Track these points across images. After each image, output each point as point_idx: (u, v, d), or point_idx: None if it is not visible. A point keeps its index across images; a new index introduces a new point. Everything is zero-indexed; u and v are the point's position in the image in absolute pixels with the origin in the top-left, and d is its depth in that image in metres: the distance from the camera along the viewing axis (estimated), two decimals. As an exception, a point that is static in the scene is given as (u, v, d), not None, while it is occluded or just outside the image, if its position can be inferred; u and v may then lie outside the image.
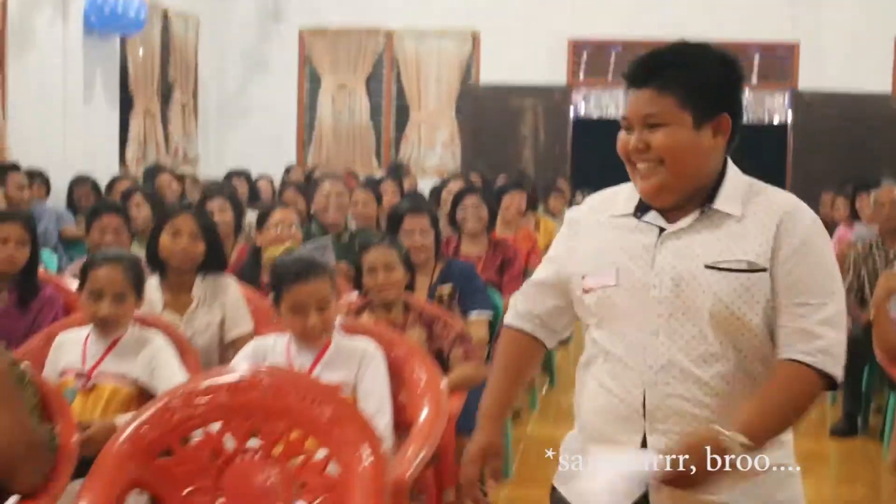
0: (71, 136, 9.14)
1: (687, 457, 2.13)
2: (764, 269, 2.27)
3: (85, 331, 3.84)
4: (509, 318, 2.66)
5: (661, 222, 2.38)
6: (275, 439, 3.05)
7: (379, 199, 7.39)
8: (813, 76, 12.40)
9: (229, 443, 3.04)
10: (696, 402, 2.30)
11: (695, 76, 2.32)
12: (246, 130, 12.68)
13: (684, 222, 2.35)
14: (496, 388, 2.61)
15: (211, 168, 11.63)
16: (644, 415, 2.35)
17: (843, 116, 12.03)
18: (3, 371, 2.96)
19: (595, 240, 2.47)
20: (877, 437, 6.61)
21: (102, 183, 8.52)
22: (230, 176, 9.56)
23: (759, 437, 2.19)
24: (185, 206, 4.70)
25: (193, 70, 11.94)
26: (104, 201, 6.24)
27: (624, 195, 2.48)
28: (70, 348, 3.80)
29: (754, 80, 12.91)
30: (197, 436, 3.05)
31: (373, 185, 7.93)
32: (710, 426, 2.19)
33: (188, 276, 4.52)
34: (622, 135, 2.38)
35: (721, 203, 2.33)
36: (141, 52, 10.57)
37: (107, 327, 3.75)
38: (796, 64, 12.63)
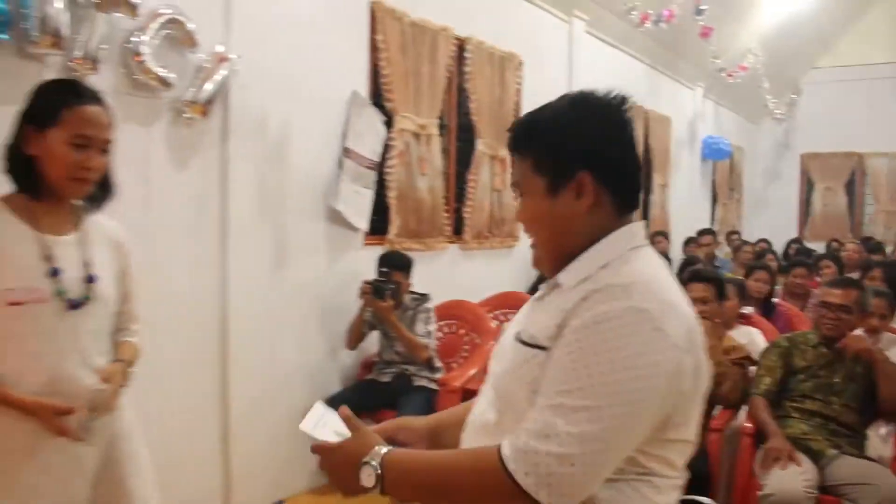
0: (688, 218, 9.32)
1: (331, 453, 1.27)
2: (542, 348, 1.18)
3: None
4: None
5: None
6: None
7: None
8: None
9: None
10: None
11: (545, 136, 1.25)
12: (767, 214, 12.41)
13: (542, 292, 1.32)
14: None
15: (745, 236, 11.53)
16: None
17: None
18: None
19: None
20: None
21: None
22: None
23: (395, 472, 1.19)
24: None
25: (740, 178, 11.87)
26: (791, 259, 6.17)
27: None
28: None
29: None
30: None
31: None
32: (369, 443, 1.24)
33: None
34: None
35: (563, 275, 1.24)
36: (721, 170, 10.69)
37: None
38: None
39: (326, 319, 4.13)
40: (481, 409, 1.31)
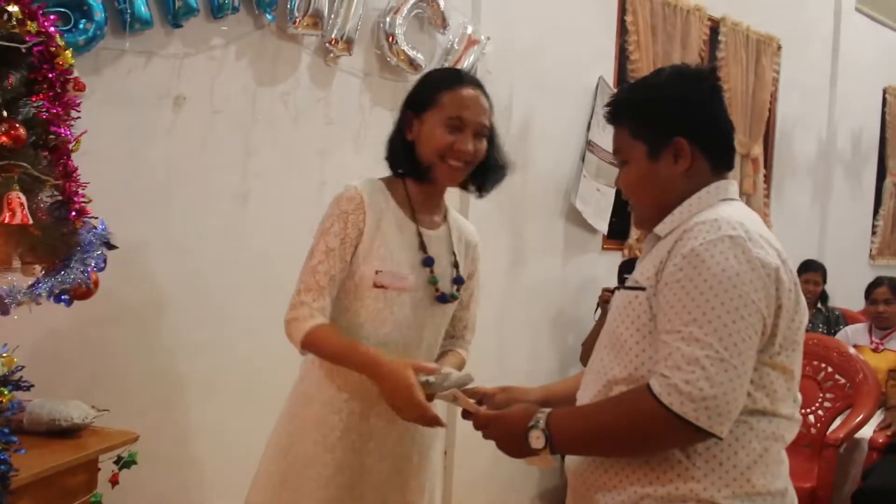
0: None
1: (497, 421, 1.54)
2: (642, 289, 1.41)
3: None
4: None
5: None
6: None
7: None
8: None
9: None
10: None
11: (641, 107, 1.51)
12: None
13: (646, 248, 1.56)
14: None
15: None
16: None
17: None
18: None
19: None
20: None
21: None
22: None
23: (561, 430, 1.43)
24: None
25: None
26: None
27: None
28: None
29: None
30: None
31: None
32: (529, 408, 1.50)
33: None
34: None
35: (660, 226, 1.49)
36: None
37: None
38: None
39: (558, 328, 4.13)
40: (594, 361, 1.55)
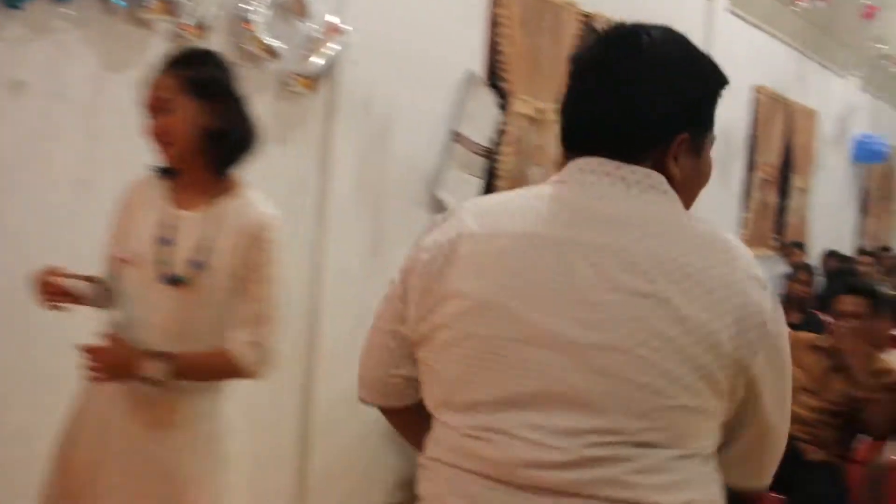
0: (830, 229, 9.02)
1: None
2: None
3: None
4: None
5: None
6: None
7: None
8: None
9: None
10: None
11: None
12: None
13: None
14: None
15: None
16: None
17: None
18: None
19: None
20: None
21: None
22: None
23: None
24: None
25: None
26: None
27: None
28: None
29: None
30: None
31: None
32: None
33: None
34: None
35: None
36: (874, 175, 10.29)
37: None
38: None
39: (421, 317, 4.23)
40: None
